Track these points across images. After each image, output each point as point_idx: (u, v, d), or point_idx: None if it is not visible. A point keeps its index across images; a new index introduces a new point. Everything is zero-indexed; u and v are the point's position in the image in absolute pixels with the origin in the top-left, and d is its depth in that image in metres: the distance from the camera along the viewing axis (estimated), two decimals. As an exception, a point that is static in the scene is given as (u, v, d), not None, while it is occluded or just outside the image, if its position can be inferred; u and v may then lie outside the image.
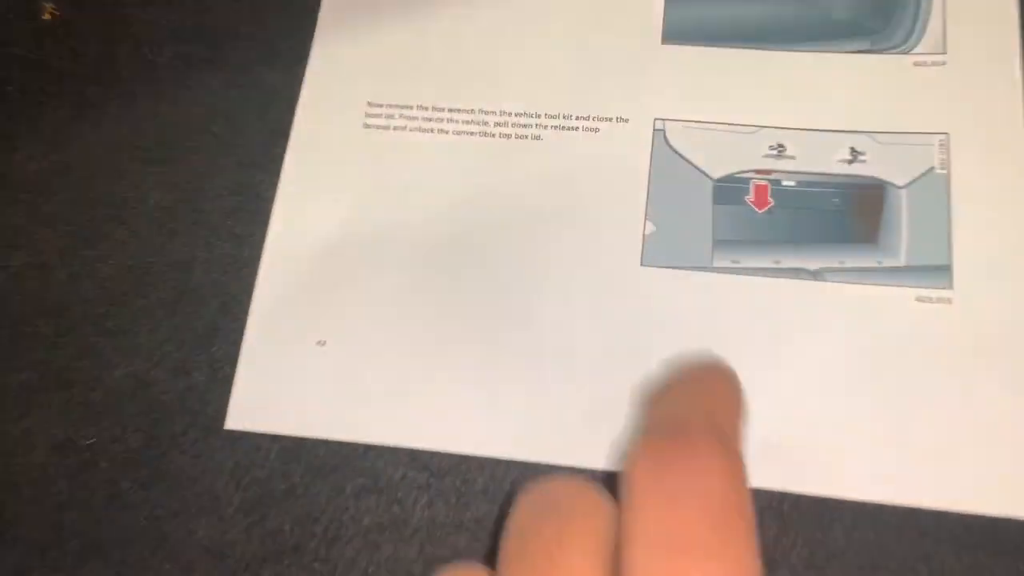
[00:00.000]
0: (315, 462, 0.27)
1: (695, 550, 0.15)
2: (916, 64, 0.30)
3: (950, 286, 0.27)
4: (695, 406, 0.18)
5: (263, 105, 0.32)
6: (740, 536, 0.15)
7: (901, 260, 0.28)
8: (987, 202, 0.28)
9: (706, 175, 0.29)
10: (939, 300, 0.27)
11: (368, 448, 0.27)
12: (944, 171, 0.29)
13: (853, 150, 0.29)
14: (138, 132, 0.32)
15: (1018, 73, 0.30)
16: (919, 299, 0.27)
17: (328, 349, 0.28)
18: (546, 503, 0.17)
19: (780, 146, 0.30)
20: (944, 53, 0.30)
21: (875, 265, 0.28)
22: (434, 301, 0.29)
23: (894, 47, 0.31)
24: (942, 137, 0.29)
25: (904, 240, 0.28)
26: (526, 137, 0.31)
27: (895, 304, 0.27)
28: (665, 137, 0.30)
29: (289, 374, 0.28)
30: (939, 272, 0.27)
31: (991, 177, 0.28)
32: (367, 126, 0.31)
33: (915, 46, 0.30)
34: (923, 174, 0.29)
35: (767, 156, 0.29)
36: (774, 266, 0.28)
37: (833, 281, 0.28)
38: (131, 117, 0.32)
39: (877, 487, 0.25)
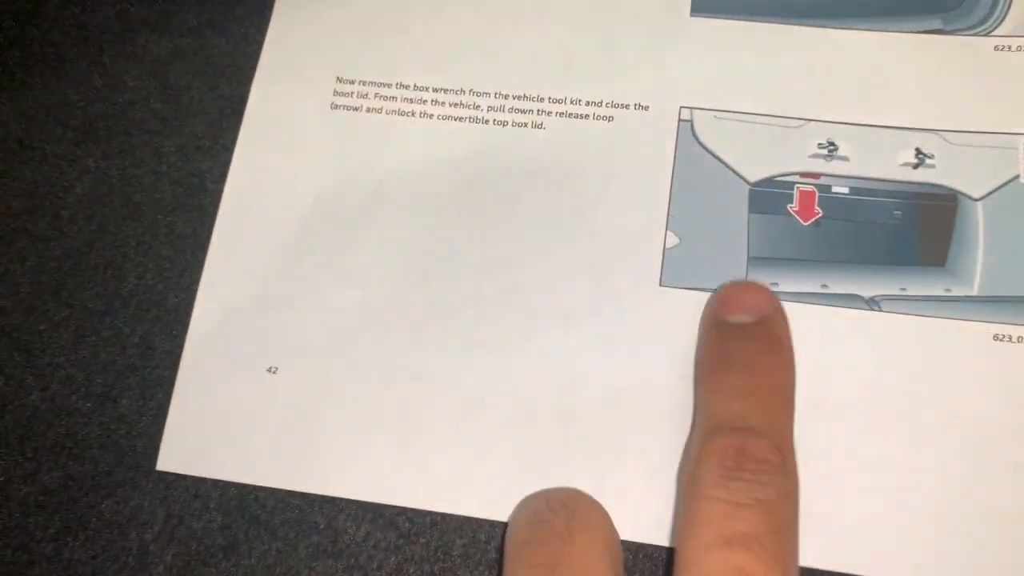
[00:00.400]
0: (262, 515, 0.23)
1: (754, 547, 0.17)
2: (997, 48, 0.25)
3: (1034, 323, 0.23)
4: (754, 406, 0.19)
5: (214, 78, 0.27)
6: (790, 542, 0.18)
7: (975, 289, 0.23)
8: (1082, 220, 0.23)
9: (741, 177, 0.25)
10: (1020, 340, 0.22)
11: (326, 501, 0.23)
12: (1030, 180, 0.24)
13: (919, 152, 0.24)
14: (65, 107, 0.27)
15: (1119, 61, 0.25)
16: (996, 338, 0.23)
17: (281, 378, 0.24)
18: (551, 501, 0.19)
19: (831, 144, 0.25)
20: (1031, 35, 0.25)
21: (943, 294, 0.23)
22: (410, 323, 0.24)
23: (971, 28, 0.25)
24: (1027, 138, 0.24)
25: (979, 264, 0.23)
26: (526, 125, 0.26)
27: (966, 343, 0.22)
28: (692, 129, 0.25)
29: (234, 407, 0.23)
30: (1021, 305, 0.23)
31: (1087, 189, 0.23)
32: (335, 106, 0.26)
33: (996, 27, 0.25)
34: (1004, 184, 0.24)
35: (815, 156, 0.24)
36: (821, 291, 0.23)
37: (892, 312, 0.23)
38: (57, 89, 0.27)
39: (941, 570, 0.21)
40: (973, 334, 0.23)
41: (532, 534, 0.18)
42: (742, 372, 0.20)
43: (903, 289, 0.23)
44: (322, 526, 0.23)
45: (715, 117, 0.25)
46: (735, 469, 0.18)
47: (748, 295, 0.21)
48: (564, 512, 0.18)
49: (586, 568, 0.17)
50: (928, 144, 0.24)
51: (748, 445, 0.18)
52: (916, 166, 0.24)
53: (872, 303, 0.23)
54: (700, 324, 0.22)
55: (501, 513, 0.22)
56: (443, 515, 0.22)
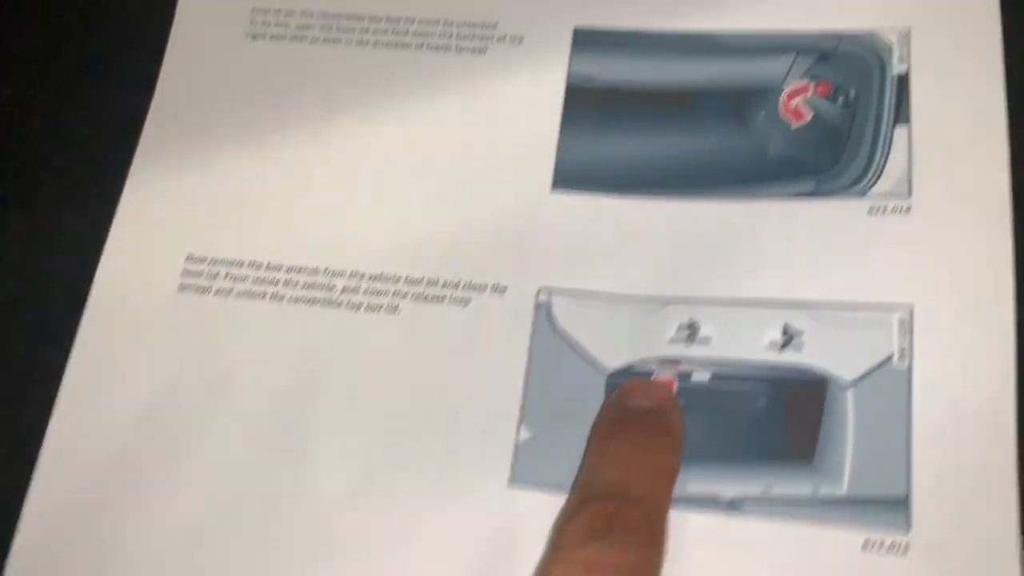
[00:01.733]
0: None
1: None
2: (872, 211, 0.24)
3: (907, 527, 0.21)
4: (635, 477, 0.20)
5: (67, 260, 0.26)
6: None
7: (844, 488, 0.21)
8: (962, 410, 0.21)
9: (598, 366, 0.23)
10: (892, 548, 0.21)
11: None
12: (905, 363, 0.22)
13: (787, 330, 0.23)
14: (-83, 292, 0.27)
15: (1007, 223, 0.23)
16: (866, 546, 0.21)
17: (111, 594, 0.22)
18: None
19: (692, 325, 0.23)
20: (909, 196, 0.24)
21: (809, 494, 0.21)
22: (249, 528, 0.22)
23: (845, 188, 0.24)
24: (903, 313, 0.22)
25: (848, 460, 0.21)
26: (379, 309, 0.24)
27: (834, 553, 0.21)
28: (549, 313, 0.24)
29: (61, 627, 0.22)
30: (893, 507, 0.21)
31: (968, 372, 0.22)
32: (183, 288, 0.25)
33: (871, 187, 0.24)
34: (877, 366, 0.22)
35: (674, 340, 0.23)
36: (676, 494, 0.21)
37: (754, 515, 0.21)
38: (-91, 273, 0.27)
39: None
40: (841, 542, 0.21)
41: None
42: (628, 444, 0.21)
43: (767, 489, 0.21)
44: None
45: (573, 300, 0.24)
46: (603, 532, 0.18)
47: (651, 387, 0.22)
48: None
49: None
50: (796, 320, 0.23)
51: (620, 511, 0.19)
52: (783, 346, 0.23)
53: (733, 505, 0.21)
54: (600, 409, 0.22)
55: None
56: None
